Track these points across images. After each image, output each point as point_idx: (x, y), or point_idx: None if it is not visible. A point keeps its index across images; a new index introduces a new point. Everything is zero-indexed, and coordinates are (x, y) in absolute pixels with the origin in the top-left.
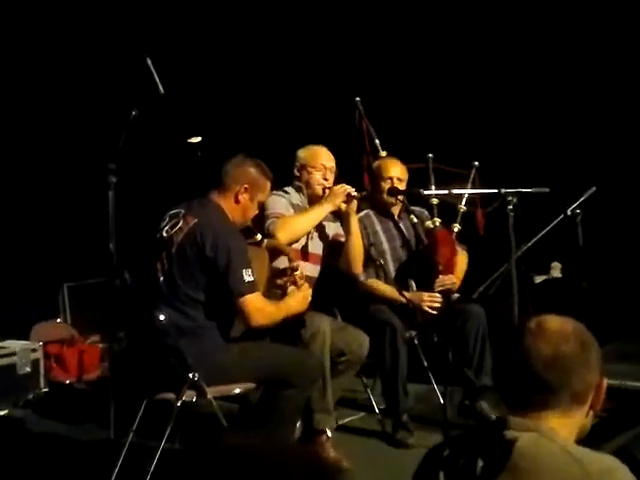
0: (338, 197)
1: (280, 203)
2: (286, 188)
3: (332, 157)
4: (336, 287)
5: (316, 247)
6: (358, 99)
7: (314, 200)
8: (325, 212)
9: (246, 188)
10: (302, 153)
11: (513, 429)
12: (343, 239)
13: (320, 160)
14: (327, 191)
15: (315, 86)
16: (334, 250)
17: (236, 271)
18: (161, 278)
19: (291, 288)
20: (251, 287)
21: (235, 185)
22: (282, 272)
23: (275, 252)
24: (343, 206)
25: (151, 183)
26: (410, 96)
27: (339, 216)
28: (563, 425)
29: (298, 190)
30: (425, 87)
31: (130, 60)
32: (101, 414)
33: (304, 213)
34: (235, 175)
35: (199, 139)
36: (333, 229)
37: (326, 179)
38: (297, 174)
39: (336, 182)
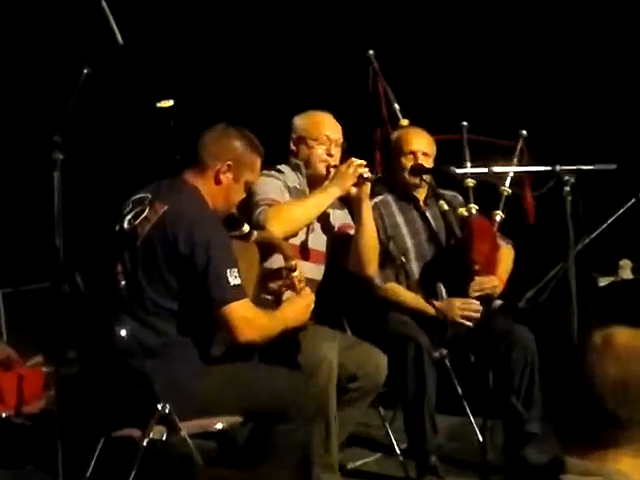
0: (347, 179)
1: (273, 186)
2: (280, 167)
3: (338, 127)
4: (345, 293)
5: (318, 242)
6: (371, 52)
7: (316, 182)
8: (331, 198)
9: (229, 166)
10: (300, 122)
11: (571, 473)
12: (352, 231)
13: (323, 130)
14: (332, 170)
15: (315, 35)
16: (341, 246)
17: (218, 272)
18: (122, 282)
19: (288, 294)
20: (237, 292)
21: (215, 162)
22: (276, 273)
23: (267, 248)
24: (353, 190)
25: (108, 160)
26: (437, 48)
27: (347, 202)
28: (637, 467)
29: (295, 169)
30: (456, 34)
31: (82, 1)
32: (46, 456)
33: (304, 199)
34: (215, 149)
35: (171, 103)
36: (340, 218)
37: (331, 155)
38: (294, 149)
39: (343, 159)
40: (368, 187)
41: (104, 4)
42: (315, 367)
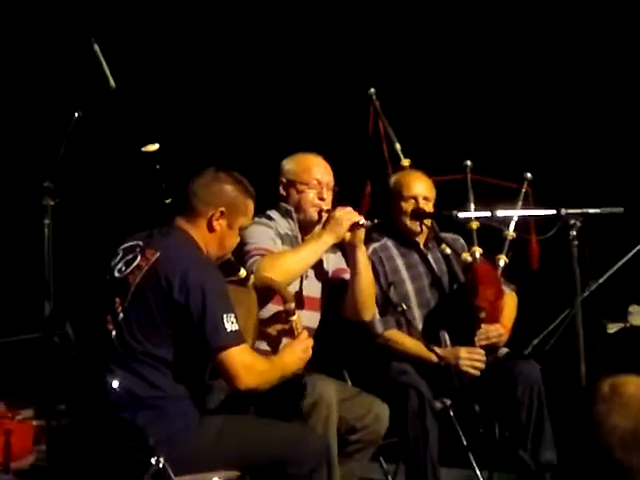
0: (342, 226)
1: (263, 234)
2: (270, 212)
3: (329, 169)
4: (345, 342)
5: (312, 289)
6: (372, 90)
7: (307, 227)
8: (325, 246)
9: (222, 212)
10: (289, 165)
11: None
12: (347, 276)
13: (314, 174)
14: (324, 215)
15: (312, 73)
16: (336, 291)
17: (214, 318)
18: (114, 332)
19: (285, 341)
20: (236, 338)
21: (207, 209)
22: (274, 318)
23: (266, 292)
24: (347, 235)
25: (99, 207)
26: (439, 86)
27: (340, 246)
28: None
29: (285, 215)
30: (459, 73)
31: (73, 45)
32: None
33: (298, 248)
34: (206, 196)
35: (156, 147)
36: (333, 263)
37: (322, 199)
38: (283, 193)
39: (335, 204)
40: (362, 232)
41: (96, 48)
42: (314, 406)
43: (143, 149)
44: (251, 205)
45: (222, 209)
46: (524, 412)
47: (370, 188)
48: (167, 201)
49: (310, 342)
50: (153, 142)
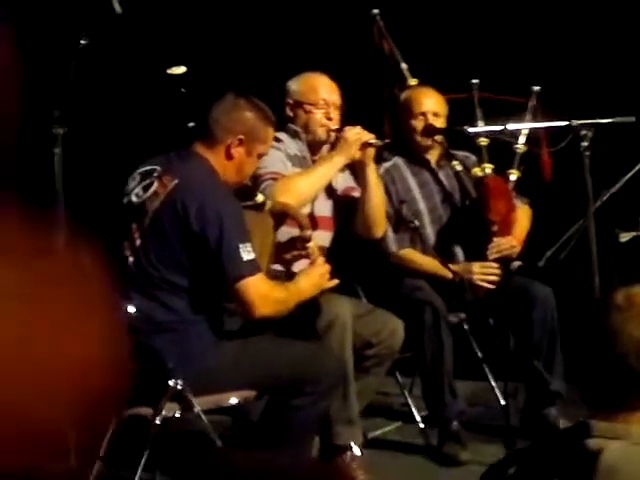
0: (352, 147)
1: (275, 157)
2: (278, 134)
3: (335, 87)
4: (358, 259)
5: (323, 208)
6: (376, 11)
7: (316, 147)
8: (337, 167)
9: (241, 140)
10: (295, 86)
11: (598, 437)
12: (357, 194)
13: (320, 94)
14: (332, 134)
15: None
16: (347, 210)
17: (231, 248)
18: (130, 258)
19: (302, 263)
20: (252, 267)
21: (226, 136)
22: (289, 244)
23: (281, 217)
24: (358, 154)
25: (111, 133)
26: (444, 3)
27: (348, 164)
28: None
29: (294, 136)
30: None
31: None
32: (56, 437)
33: (310, 170)
34: (225, 123)
35: (183, 69)
36: (342, 181)
37: (330, 118)
38: (290, 114)
39: (344, 123)
40: (372, 151)
41: None
42: (329, 325)
43: (169, 71)
44: (271, 132)
45: (241, 136)
46: (537, 334)
47: (387, 97)
48: (190, 125)
49: (327, 267)
50: (179, 65)
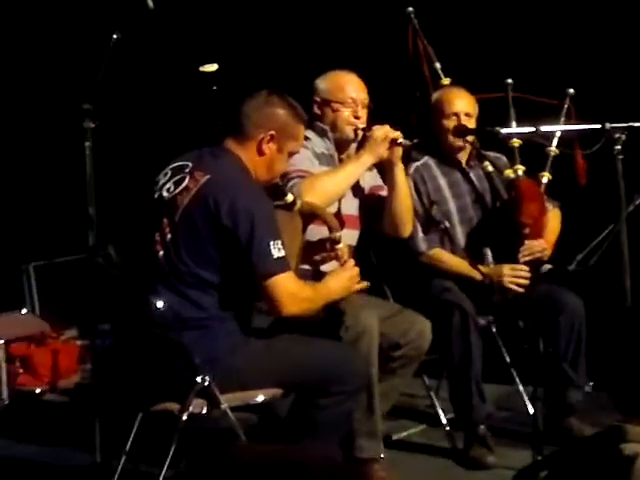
0: (380, 146)
1: (302, 156)
2: (306, 132)
3: (364, 87)
4: (387, 259)
5: (350, 207)
6: (411, 9)
7: (344, 145)
8: (364, 167)
9: (272, 136)
10: (323, 84)
11: (633, 441)
12: (384, 193)
13: (348, 92)
14: (360, 133)
15: None
16: (374, 208)
17: (262, 244)
18: (161, 252)
19: (331, 265)
20: (282, 265)
21: (258, 132)
22: (319, 245)
23: (310, 217)
24: (385, 153)
25: (142, 128)
26: (477, 3)
27: (377, 164)
28: None
29: (321, 134)
30: None
31: None
32: (83, 432)
33: (337, 169)
34: (258, 119)
35: (215, 67)
36: (369, 180)
37: (358, 117)
38: (318, 112)
39: (372, 122)
40: (400, 150)
41: None
42: (356, 337)
43: (201, 69)
44: (302, 130)
45: (272, 133)
46: (563, 342)
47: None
48: (220, 122)
49: (356, 270)
50: (211, 62)
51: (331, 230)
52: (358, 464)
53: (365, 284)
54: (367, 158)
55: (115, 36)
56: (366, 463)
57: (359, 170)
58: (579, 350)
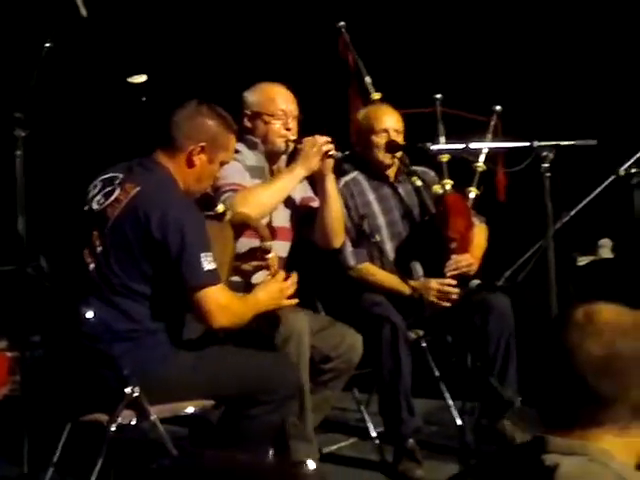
0: (312, 158)
1: (233, 169)
2: (236, 145)
3: (293, 98)
4: (318, 272)
5: (282, 218)
6: (342, 24)
7: (275, 157)
8: (297, 179)
9: (203, 147)
10: (253, 97)
11: (554, 452)
12: (315, 204)
13: (278, 104)
14: (291, 144)
15: (284, 7)
16: (305, 220)
17: (192, 257)
18: (92, 265)
19: (261, 276)
20: (212, 277)
21: (188, 143)
22: (249, 255)
23: (241, 229)
24: (317, 165)
25: (73, 138)
26: (409, 19)
27: (308, 175)
28: (620, 446)
29: (252, 147)
30: (429, 4)
31: None
32: (11, 443)
33: (270, 182)
34: (187, 130)
35: (144, 78)
36: (300, 191)
37: (289, 129)
38: (248, 125)
39: (301, 133)
40: (331, 161)
41: None
42: (285, 339)
43: (130, 80)
44: (233, 140)
45: (203, 144)
46: (492, 345)
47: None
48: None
49: (287, 283)
50: (140, 73)
51: (262, 239)
52: (293, 465)
53: (294, 301)
54: (300, 171)
55: (47, 45)
56: (301, 464)
57: (292, 183)
58: (508, 353)
